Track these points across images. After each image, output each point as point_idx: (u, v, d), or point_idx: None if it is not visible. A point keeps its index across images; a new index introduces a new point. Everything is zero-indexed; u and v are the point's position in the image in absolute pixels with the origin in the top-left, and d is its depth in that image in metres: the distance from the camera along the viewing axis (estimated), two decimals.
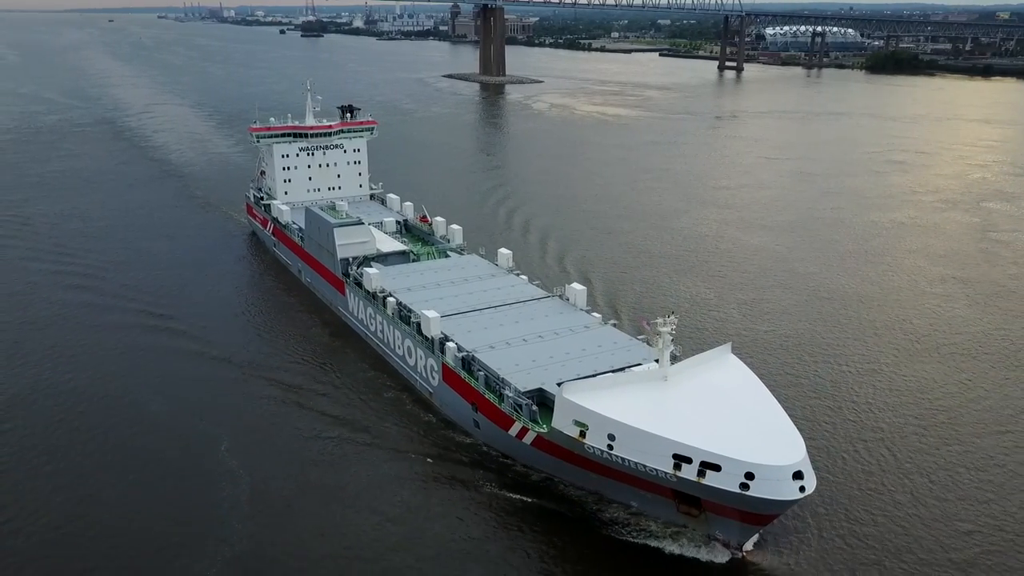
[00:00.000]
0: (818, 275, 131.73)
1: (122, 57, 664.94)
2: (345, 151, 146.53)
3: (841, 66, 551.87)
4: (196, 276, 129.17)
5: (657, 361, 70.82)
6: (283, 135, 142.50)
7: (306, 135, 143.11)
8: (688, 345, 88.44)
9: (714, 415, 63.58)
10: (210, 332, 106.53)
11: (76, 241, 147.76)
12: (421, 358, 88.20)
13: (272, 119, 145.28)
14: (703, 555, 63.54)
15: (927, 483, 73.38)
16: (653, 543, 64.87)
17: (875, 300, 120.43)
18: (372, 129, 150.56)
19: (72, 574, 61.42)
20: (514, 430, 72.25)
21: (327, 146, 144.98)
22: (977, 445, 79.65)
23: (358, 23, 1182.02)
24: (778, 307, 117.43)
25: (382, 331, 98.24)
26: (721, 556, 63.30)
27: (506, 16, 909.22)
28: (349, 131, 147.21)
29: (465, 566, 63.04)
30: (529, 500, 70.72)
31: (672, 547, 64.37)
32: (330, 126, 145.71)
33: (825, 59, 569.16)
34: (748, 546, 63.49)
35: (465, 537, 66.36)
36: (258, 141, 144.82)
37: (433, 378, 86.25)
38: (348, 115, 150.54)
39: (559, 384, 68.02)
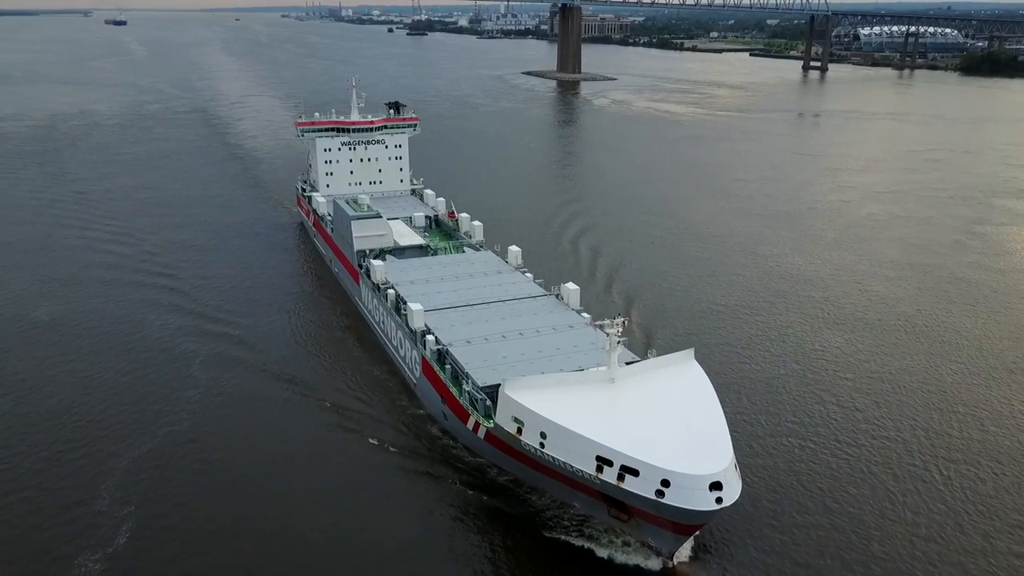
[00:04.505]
0: (781, 257, 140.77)
1: (235, 53, 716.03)
2: (387, 146, 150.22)
3: (934, 67, 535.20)
4: (234, 255, 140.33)
5: (635, 362, 72.13)
6: (326, 130, 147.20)
7: (348, 130, 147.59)
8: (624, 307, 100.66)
9: (648, 420, 63.20)
10: (228, 300, 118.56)
11: (143, 208, 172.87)
12: (408, 349, 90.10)
13: (317, 114, 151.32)
14: (636, 561, 63.43)
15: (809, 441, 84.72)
16: (590, 545, 65.38)
17: (823, 280, 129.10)
18: (415, 125, 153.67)
19: (62, 430, 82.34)
20: (470, 424, 73.40)
21: (369, 141, 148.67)
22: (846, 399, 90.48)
23: (463, 22, 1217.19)
24: (726, 280, 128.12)
25: (383, 322, 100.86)
26: (654, 563, 63.20)
27: (603, 16, 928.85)
28: (392, 127, 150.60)
29: (394, 553, 65.34)
30: (476, 494, 72.27)
31: (607, 551, 64.62)
32: (372, 122, 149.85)
33: (920, 60, 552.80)
34: (683, 555, 63.26)
35: (402, 524, 68.57)
36: (303, 135, 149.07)
37: (415, 370, 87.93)
38: (393, 111, 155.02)
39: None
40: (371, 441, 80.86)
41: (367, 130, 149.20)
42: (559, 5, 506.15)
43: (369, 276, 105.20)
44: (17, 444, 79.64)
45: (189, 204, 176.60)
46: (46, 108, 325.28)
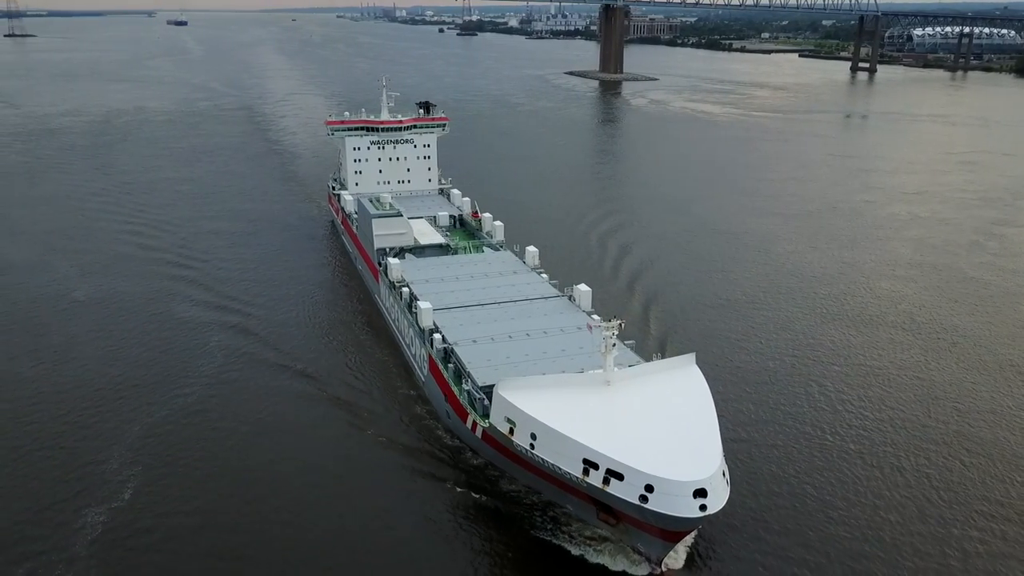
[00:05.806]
0: (792, 255, 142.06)
1: (287, 52, 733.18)
2: (415, 146, 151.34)
3: (988, 69, 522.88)
4: (264, 248, 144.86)
5: (632, 365, 72.29)
6: (356, 129, 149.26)
7: (377, 129, 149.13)
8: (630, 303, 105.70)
9: (639, 424, 62.89)
10: (253, 289, 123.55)
11: (183, 199, 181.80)
12: (418, 347, 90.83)
13: (347, 113, 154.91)
14: (624, 567, 62.99)
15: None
16: (580, 548, 65.28)
17: (829, 277, 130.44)
18: (444, 125, 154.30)
19: (86, 396, 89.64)
20: (469, 423, 73.69)
21: (397, 140, 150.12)
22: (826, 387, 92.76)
23: (514, 23, 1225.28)
24: (731, 275, 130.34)
25: (398, 320, 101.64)
26: (641, 569, 62.79)
27: (652, 17, 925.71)
28: (421, 126, 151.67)
29: (384, 537, 67.61)
30: (473, 493, 72.95)
31: (596, 555, 64.45)
32: (401, 121, 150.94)
33: (975, 62, 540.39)
34: (676, 562, 62.73)
35: (396, 516, 70.15)
36: (332, 134, 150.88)
37: (423, 368, 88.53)
38: (423, 111, 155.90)
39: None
40: (373, 434, 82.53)
41: (396, 129, 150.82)
42: (603, 5, 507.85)
43: (387, 274, 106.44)
44: (45, 405, 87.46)
45: (226, 197, 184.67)
46: (103, 104, 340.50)
